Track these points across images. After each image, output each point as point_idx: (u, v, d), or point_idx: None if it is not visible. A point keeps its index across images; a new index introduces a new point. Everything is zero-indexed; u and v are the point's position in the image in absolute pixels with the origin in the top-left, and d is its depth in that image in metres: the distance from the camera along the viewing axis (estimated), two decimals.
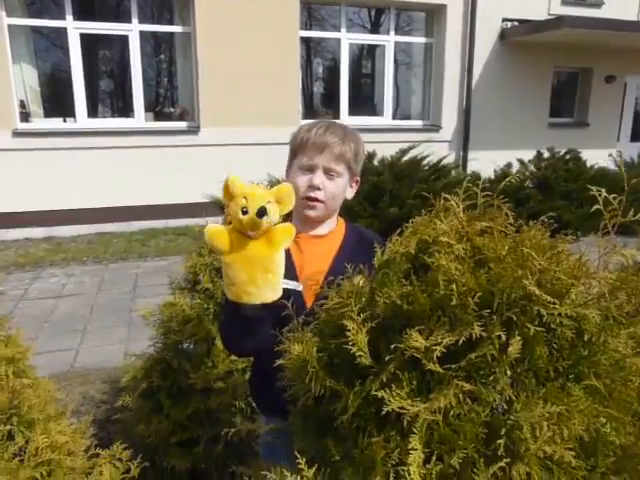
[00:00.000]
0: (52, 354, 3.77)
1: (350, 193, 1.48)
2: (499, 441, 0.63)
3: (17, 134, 7.10)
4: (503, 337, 0.66)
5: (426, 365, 0.69)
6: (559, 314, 0.67)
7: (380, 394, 0.71)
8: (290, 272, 1.34)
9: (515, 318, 0.67)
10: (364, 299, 0.86)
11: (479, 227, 0.80)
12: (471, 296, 0.69)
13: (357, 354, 0.79)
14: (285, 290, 1.29)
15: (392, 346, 0.74)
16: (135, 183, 7.52)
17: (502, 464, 0.61)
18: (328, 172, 1.37)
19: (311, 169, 1.37)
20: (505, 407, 0.70)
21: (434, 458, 0.68)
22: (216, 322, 2.10)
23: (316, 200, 1.38)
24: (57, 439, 1.19)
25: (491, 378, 0.68)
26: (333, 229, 1.47)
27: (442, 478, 0.67)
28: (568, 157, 7.68)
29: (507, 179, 0.87)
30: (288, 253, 1.39)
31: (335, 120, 1.55)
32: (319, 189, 1.36)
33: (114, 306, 4.70)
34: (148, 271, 5.70)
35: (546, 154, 7.75)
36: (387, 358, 0.75)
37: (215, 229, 1.16)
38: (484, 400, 0.68)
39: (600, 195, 0.70)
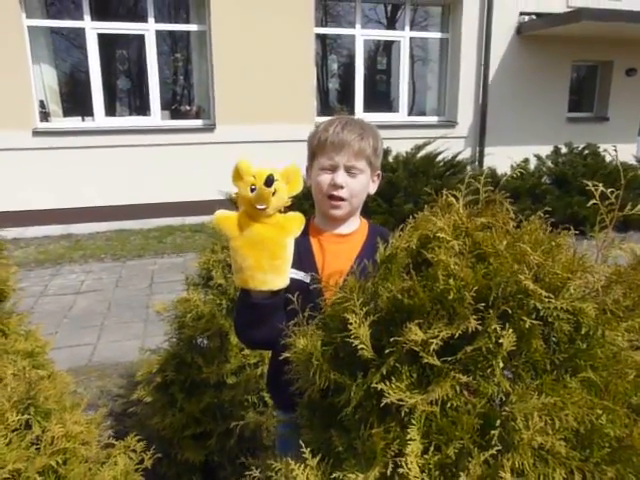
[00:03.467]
0: (71, 349, 3.85)
1: (373, 188, 1.48)
2: (493, 432, 0.64)
3: (37, 133, 7.22)
4: (499, 330, 0.68)
5: (424, 358, 0.71)
6: (555, 308, 0.67)
7: (380, 386, 0.73)
8: (313, 270, 1.35)
9: (511, 311, 0.68)
10: (367, 294, 0.87)
11: (479, 223, 0.81)
12: (468, 290, 0.70)
13: (359, 347, 0.81)
14: (298, 282, 1.29)
15: (392, 339, 0.75)
16: (152, 181, 7.61)
17: (493, 452, 0.62)
18: (349, 170, 1.37)
19: (332, 168, 1.37)
20: (503, 399, 0.71)
21: (432, 448, 0.69)
22: (229, 317, 2.13)
23: (340, 199, 1.38)
24: (72, 429, 1.23)
25: (488, 371, 0.70)
26: (356, 229, 1.47)
27: (440, 468, 0.69)
28: (586, 152, 7.58)
29: (507, 175, 0.87)
30: (310, 251, 1.41)
31: (351, 116, 1.55)
32: (342, 187, 1.36)
33: (131, 302, 4.77)
34: (164, 268, 5.77)
35: (564, 149, 7.66)
36: (387, 351, 0.77)
37: (223, 214, 1.19)
38: (481, 392, 0.69)
39: (596, 189, 0.70)
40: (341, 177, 1.36)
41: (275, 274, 1.20)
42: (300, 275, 1.33)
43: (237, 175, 1.20)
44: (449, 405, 0.69)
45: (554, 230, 0.80)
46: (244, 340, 1.45)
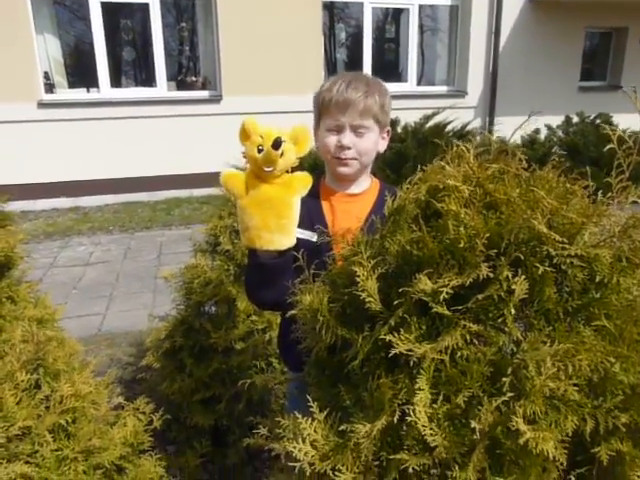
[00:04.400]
0: (80, 319, 3.88)
1: (382, 145, 1.44)
2: (504, 379, 0.63)
3: (42, 105, 7.17)
4: (511, 277, 0.66)
5: (433, 308, 0.69)
6: (569, 255, 0.65)
7: (388, 338, 0.71)
8: (323, 229, 1.34)
9: (523, 258, 0.66)
10: (375, 247, 0.85)
11: (490, 171, 0.78)
12: (479, 238, 0.68)
13: (367, 300, 0.79)
14: (304, 242, 1.28)
15: (400, 290, 0.74)
16: (159, 153, 7.57)
17: (505, 398, 0.61)
18: (356, 129, 1.34)
19: (338, 129, 1.34)
20: (514, 349, 0.69)
21: (441, 398, 0.68)
22: (236, 283, 2.13)
23: (348, 159, 1.35)
24: (81, 388, 1.23)
25: (499, 320, 0.68)
26: (367, 188, 1.45)
27: (448, 418, 0.68)
28: (599, 121, 7.43)
29: (515, 130, 0.85)
30: (320, 211, 1.39)
31: (357, 72, 1.51)
32: (349, 148, 1.34)
33: (140, 273, 4.79)
34: (172, 239, 5.78)
35: (575, 119, 7.52)
36: (396, 302, 0.75)
37: (230, 172, 1.18)
38: (492, 341, 0.67)
39: (614, 133, 0.67)
40: (348, 138, 1.34)
41: (282, 233, 1.19)
42: (307, 234, 1.31)
43: (244, 134, 1.18)
44: (459, 355, 0.67)
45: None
46: (254, 300, 1.44)
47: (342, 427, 0.78)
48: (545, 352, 0.61)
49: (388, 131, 1.45)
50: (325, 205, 1.39)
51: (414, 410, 0.67)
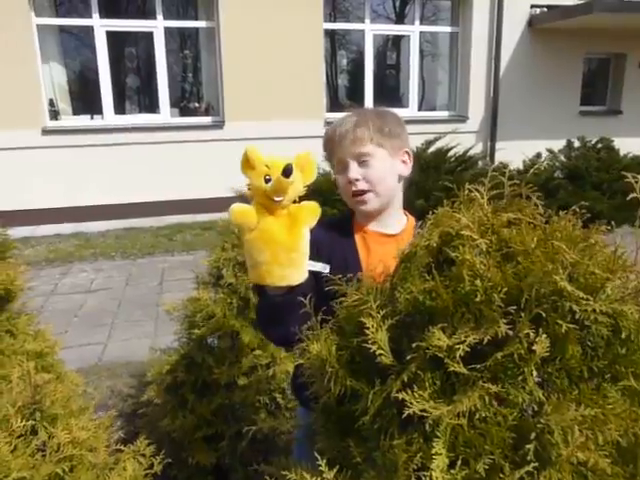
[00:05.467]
0: (81, 348, 3.83)
1: (404, 169, 1.37)
2: (528, 446, 0.59)
3: (46, 132, 7.23)
4: (532, 335, 0.62)
5: (449, 365, 0.66)
6: (593, 310, 0.62)
7: (401, 396, 0.68)
8: (354, 267, 1.28)
9: (545, 315, 0.63)
10: (384, 295, 0.82)
11: (505, 218, 0.75)
12: (497, 292, 0.65)
13: (377, 353, 0.76)
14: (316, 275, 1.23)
15: (414, 345, 0.70)
16: (162, 178, 7.59)
17: (529, 468, 0.57)
18: (358, 159, 1.31)
19: (344, 166, 1.33)
20: (535, 409, 0.66)
21: (459, 462, 0.64)
22: (240, 317, 2.09)
23: (362, 193, 1.32)
24: (79, 435, 1.19)
25: (520, 379, 0.64)
26: (404, 228, 1.39)
27: None
28: (600, 146, 7.45)
29: (535, 167, 0.82)
30: (355, 250, 1.35)
31: (361, 108, 1.50)
32: (357, 180, 1.31)
33: (141, 300, 4.75)
34: (175, 265, 5.75)
35: (577, 143, 7.54)
36: (408, 357, 0.72)
37: (240, 208, 1.12)
38: (512, 402, 0.64)
39: (637, 182, 0.65)
40: (353, 171, 1.31)
41: (293, 267, 1.14)
42: (319, 267, 1.27)
43: (247, 164, 1.13)
44: (477, 416, 0.63)
45: (587, 226, 0.74)
46: (267, 338, 1.43)
47: None
48: (572, 417, 0.57)
49: (408, 153, 1.39)
50: (361, 245, 1.35)
51: (431, 476, 0.63)
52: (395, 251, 1.33)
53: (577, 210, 0.70)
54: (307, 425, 1.07)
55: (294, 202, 1.19)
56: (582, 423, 0.57)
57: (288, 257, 1.12)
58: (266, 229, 1.12)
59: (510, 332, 0.63)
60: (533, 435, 0.60)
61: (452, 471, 0.64)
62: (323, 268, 1.28)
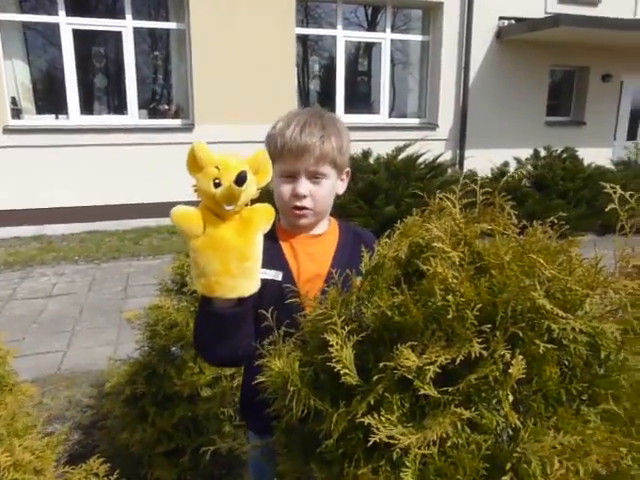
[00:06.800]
0: (39, 356, 3.67)
1: (341, 188, 1.35)
2: (504, 478, 0.54)
3: (8, 131, 6.98)
4: (507, 355, 0.58)
5: (419, 387, 0.61)
6: (572, 329, 0.58)
7: (367, 420, 0.62)
8: (287, 276, 1.24)
9: (521, 334, 0.59)
10: (350, 309, 0.77)
11: (478, 229, 0.71)
12: (470, 308, 0.61)
13: (342, 372, 0.71)
14: (268, 283, 1.16)
15: (381, 364, 0.65)
16: (129, 181, 7.42)
17: None
18: (312, 176, 1.24)
19: (293, 175, 1.24)
20: (511, 434, 0.61)
21: None
22: None
23: (303, 208, 1.25)
24: (22, 457, 1.10)
25: (494, 402, 0.60)
26: (327, 229, 1.35)
27: None
28: (565, 156, 7.60)
29: (507, 175, 0.78)
30: (281, 254, 1.28)
31: (311, 108, 1.40)
32: (305, 197, 1.24)
33: (104, 306, 4.60)
34: (140, 270, 5.60)
35: (543, 153, 7.67)
36: (375, 378, 0.66)
37: (183, 210, 1.00)
38: (486, 427, 0.59)
39: (615, 192, 0.61)
40: (303, 187, 1.23)
41: (245, 278, 1.03)
42: (271, 274, 1.19)
43: (194, 164, 1.00)
44: (449, 443, 0.59)
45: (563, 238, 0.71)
46: (207, 357, 1.27)
47: None
48: (550, 446, 0.53)
49: (347, 172, 1.35)
50: (285, 247, 1.29)
51: None
52: (322, 251, 1.30)
53: (555, 221, 0.67)
54: (266, 443, 1.01)
55: (247, 204, 1.07)
56: (562, 452, 0.53)
57: (241, 266, 1.01)
58: (215, 235, 1.00)
59: (484, 352, 0.58)
60: (509, 465, 0.56)
61: None
62: (275, 275, 1.21)
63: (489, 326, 0.60)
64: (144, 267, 5.72)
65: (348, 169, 1.36)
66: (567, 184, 7.19)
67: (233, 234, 1.02)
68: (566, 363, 0.61)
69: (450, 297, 0.63)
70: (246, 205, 1.06)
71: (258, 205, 1.09)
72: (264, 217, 1.09)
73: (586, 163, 7.57)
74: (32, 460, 1.10)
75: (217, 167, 0.98)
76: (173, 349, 2.12)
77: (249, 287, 1.05)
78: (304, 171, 1.24)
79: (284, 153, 1.23)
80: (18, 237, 6.75)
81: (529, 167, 7.40)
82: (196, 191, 1.02)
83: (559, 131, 9.75)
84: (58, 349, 3.84)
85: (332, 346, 0.71)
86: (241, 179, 0.94)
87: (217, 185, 0.97)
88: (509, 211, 0.74)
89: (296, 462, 0.90)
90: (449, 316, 0.62)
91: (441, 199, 0.79)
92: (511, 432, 0.60)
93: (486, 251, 0.67)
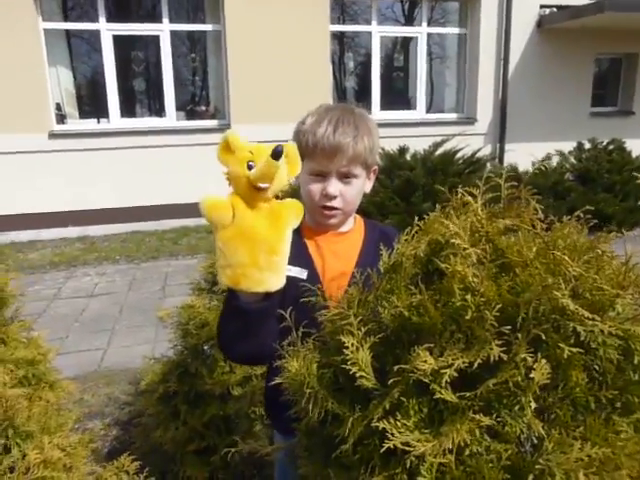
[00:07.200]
0: (80, 354, 3.78)
1: (368, 186, 1.32)
2: None
3: (53, 136, 7.21)
4: (529, 359, 0.54)
5: (436, 391, 0.58)
6: (601, 331, 0.54)
7: (381, 425, 0.59)
8: (313, 274, 1.22)
9: (544, 336, 0.54)
10: (367, 309, 0.74)
11: (502, 225, 0.67)
12: (490, 308, 0.57)
13: (358, 374, 0.68)
14: (293, 280, 1.12)
15: (396, 368, 0.62)
16: (168, 182, 7.55)
17: None
18: (343, 177, 1.22)
19: (323, 174, 1.21)
20: (534, 443, 0.57)
21: None
22: None
23: (332, 208, 1.23)
24: (51, 454, 1.11)
25: (516, 409, 0.56)
26: (353, 227, 1.33)
27: None
28: (611, 147, 7.30)
29: (535, 166, 0.73)
30: (306, 252, 1.26)
31: (342, 105, 1.37)
32: (335, 197, 1.21)
33: (143, 305, 4.69)
34: (178, 270, 5.69)
35: (587, 145, 7.40)
36: (391, 381, 0.63)
37: (213, 199, 0.98)
38: (507, 436, 0.55)
39: None
40: (334, 186, 1.21)
41: (272, 272, 1.00)
42: (295, 271, 1.17)
43: (226, 150, 0.99)
44: (467, 452, 0.55)
45: (593, 233, 0.66)
46: (230, 354, 1.24)
47: None
48: (576, 458, 0.49)
49: (374, 170, 1.33)
50: (311, 245, 1.27)
51: None
52: (348, 248, 1.28)
53: (581, 215, 0.62)
54: (288, 445, 0.99)
55: (277, 198, 1.05)
56: (589, 465, 0.49)
57: (269, 259, 0.98)
58: (244, 225, 0.97)
59: (504, 356, 0.54)
60: (531, 477, 0.52)
61: None
62: (300, 273, 1.19)
63: (509, 327, 0.56)
64: (182, 266, 5.81)
65: (376, 167, 1.34)
66: (614, 177, 6.90)
67: (263, 225, 0.99)
68: (596, 368, 0.57)
69: (469, 297, 0.59)
70: (276, 198, 1.04)
71: (288, 200, 1.07)
72: (293, 212, 1.06)
73: (635, 155, 7.26)
74: (62, 457, 1.12)
75: (251, 152, 0.97)
76: (205, 348, 2.13)
77: (275, 282, 1.02)
78: (335, 171, 1.21)
79: (316, 152, 1.20)
80: (64, 238, 6.97)
81: (572, 160, 7.14)
82: (227, 178, 1.01)
83: (605, 122, 9.38)
84: (98, 347, 3.94)
85: (347, 347, 0.68)
86: (277, 152, 0.92)
87: (250, 168, 0.96)
88: (535, 206, 0.70)
89: (317, 466, 0.88)
90: (468, 317, 0.58)
91: (463, 194, 0.75)
92: (535, 441, 0.56)
93: (509, 248, 0.63)
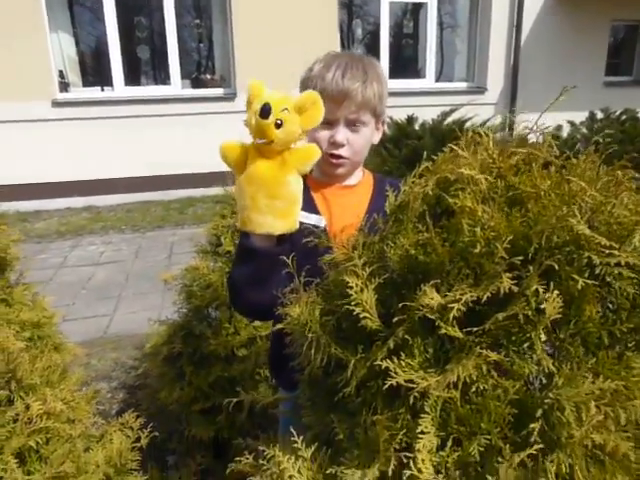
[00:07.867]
0: (87, 320, 3.80)
1: (377, 137, 1.29)
2: (533, 425, 0.49)
3: (56, 104, 7.15)
4: (541, 292, 0.51)
5: (442, 327, 0.55)
6: (617, 263, 0.51)
7: (384, 364, 0.57)
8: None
9: (557, 268, 0.52)
10: (372, 250, 0.71)
11: (514, 161, 0.64)
12: (500, 242, 0.54)
13: (361, 315, 0.66)
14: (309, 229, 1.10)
15: (400, 305, 0.60)
16: (173, 151, 7.49)
17: (532, 451, 0.47)
18: (352, 124, 1.19)
19: (330, 122, 1.18)
20: (543, 381, 0.55)
21: (450, 443, 0.54)
22: None
23: (339, 157, 1.20)
24: (54, 406, 1.11)
25: (525, 345, 0.54)
26: (361, 180, 1.31)
27: (459, 467, 0.54)
28: (624, 117, 7.15)
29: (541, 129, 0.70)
30: (313, 204, 1.24)
31: (350, 52, 1.34)
32: (343, 145, 1.19)
33: (149, 273, 4.70)
34: (184, 238, 5.68)
35: (600, 115, 7.24)
36: (396, 319, 0.61)
37: (229, 143, 1.05)
38: (516, 372, 0.53)
39: None
40: (342, 134, 1.18)
41: (274, 216, 1.02)
42: (313, 219, 1.15)
43: (249, 99, 1.05)
44: (473, 389, 0.53)
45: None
46: (239, 303, 1.20)
47: (330, 470, 0.64)
48: (587, 391, 0.47)
49: (383, 121, 1.29)
50: (318, 198, 1.24)
51: (416, 458, 0.53)
52: (356, 202, 1.24)
53: (598, 141, 0.59)
54: (293, 397, 0.98)
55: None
56: (600, 398, 0.46)
57: (269, 204, 1.00)
58: (249, 171, 1.01)
59: (515, 288, 0.52)
60: (539, 412, 0.50)
61: (441, 453, 0.54)
62: (319, 221, 1.17)
63: (520, 258, 0.53)
64: (188, 235, 5.80)
65: (385, 118, 1.30)
66: (626, 147, 6.77)
67: (266, 171, 1.01)
68: (610, 304, 0.54)
69: (478, 230, 0.56)
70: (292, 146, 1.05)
71: (300, 144, 1.06)
72: (301, 157, 1.05)
73: None
74: (65, 410, 1.12)
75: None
76: (210, 309, 2.13)
77: (279, 225, 1.03)
78: (343, 118, 1.19)
79: (323, 98, 1.14)
80: (70, 208, 6.97)
81: (584, 130, 7.01)
82: (247, 126, 1.04)
83: (619, 92, 9.16)
84: (105, 314, 3.96)
85: (351, 287, 0.65)
86: (264, 111, 0.94)
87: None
88: (550, 141, 0.66)
89: (320, 414, 0.87)
90: (476, 250, 0.55)
91: (473, 132, 0.72)
92: (544, 380, 0.54)
93: (522, 182, 0.60)
